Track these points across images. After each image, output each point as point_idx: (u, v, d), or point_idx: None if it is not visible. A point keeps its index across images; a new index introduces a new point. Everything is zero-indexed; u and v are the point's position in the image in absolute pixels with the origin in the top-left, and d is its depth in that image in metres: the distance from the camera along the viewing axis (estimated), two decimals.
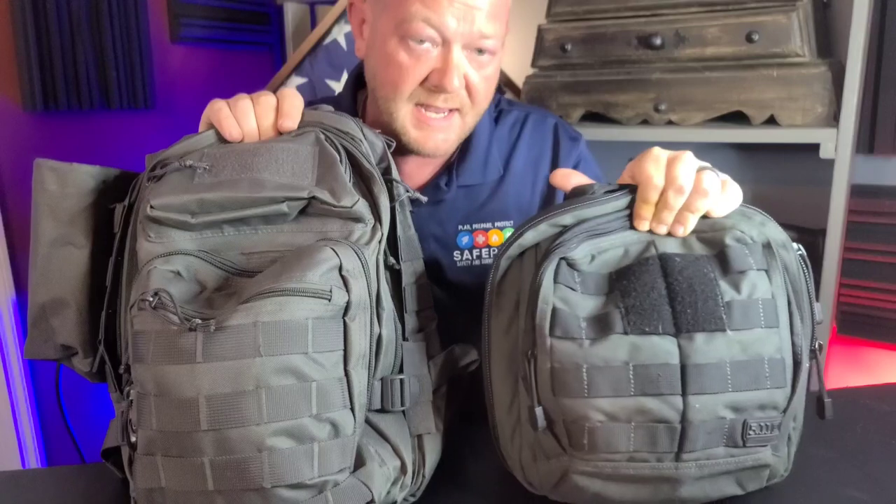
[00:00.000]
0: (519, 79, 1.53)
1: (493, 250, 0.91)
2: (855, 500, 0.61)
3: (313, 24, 1.90)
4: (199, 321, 0.50)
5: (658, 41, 1.29)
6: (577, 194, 0.64)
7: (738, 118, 1.28)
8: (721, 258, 0.59)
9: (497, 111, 0.96)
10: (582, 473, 0.57)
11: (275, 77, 1.69)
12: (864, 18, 1.14)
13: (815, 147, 1.19)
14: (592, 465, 0.57)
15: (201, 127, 0.68)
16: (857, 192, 1.43)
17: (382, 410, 0.59)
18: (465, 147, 0.89)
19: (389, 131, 0.81)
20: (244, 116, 0.65)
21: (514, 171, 0.93)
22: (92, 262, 0.64)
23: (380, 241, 0.59)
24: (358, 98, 0.93)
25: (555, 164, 0.95)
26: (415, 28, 0.76)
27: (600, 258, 0.61)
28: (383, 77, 0.81)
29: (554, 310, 0.57)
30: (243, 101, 0.66)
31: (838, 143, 1.16)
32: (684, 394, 0.55)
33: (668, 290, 0.57)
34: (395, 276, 0.62)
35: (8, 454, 1.48)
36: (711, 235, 0.61)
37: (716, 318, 0.56)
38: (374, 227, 0.59)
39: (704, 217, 0.61)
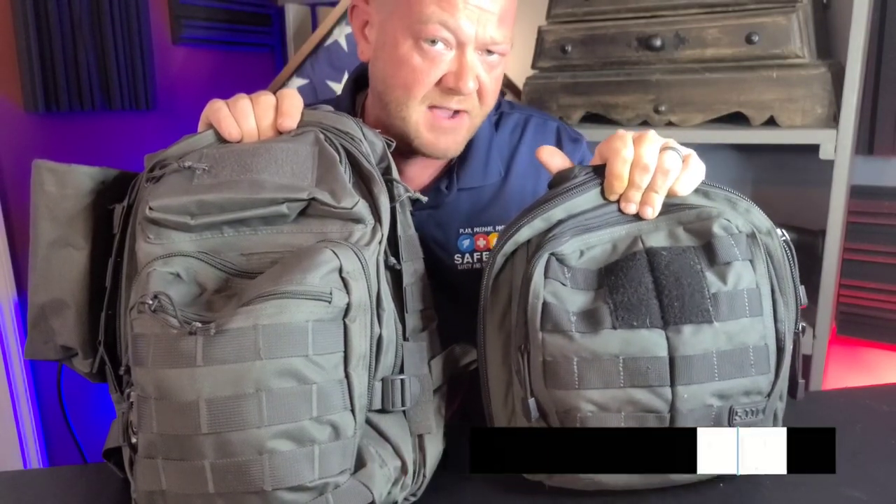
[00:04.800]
0: (519, 80, 1.53)
1: None
2: (855, 500, 0.61)
3: (314, 25, 1.90)
4: (199, 324, 0.50)
5: (658, 42, 1.29)
6: (561, 179, 0.66)
7: (737, 119, 1.28)
8: (708, 249, 0.61)
9: (498, 114, 0.95)
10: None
11: (276, 78, 1.69)
12: (864, 19, 1.14)
13: (814, 148, 1.19)
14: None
15: (200, 127, 0.68)
16: (857, 192, 1.43)
17: (383, 411, 0.59)
18: (465, 150, 0.89)
19: (398, 134, 0.81)
20: (243, 116, 0.65)
21: (516, 174, 0.93)
22: (91, 263, 0.64)
23: (380, 242, 0.59)
24: (357, 100, 0.93)
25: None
26: (430, 30, 0.76)
27: (589, 254, 0.62)
28: (395, 80, 0.80)
29: (545, 304, 0.59)
30: (242, 102, 0.66)
31: (838, 144, 1.17)
32: (672, 384, 0.57)
33: (655, 284, 0.59)
34: (395, 276, 0.62)
35: (9, 454, 1.48)
36: (699, 225, 0.62)
37: (702, 311, 0.58)
38: (374, 228, 0.59)
39: (669, 195, 0.64)
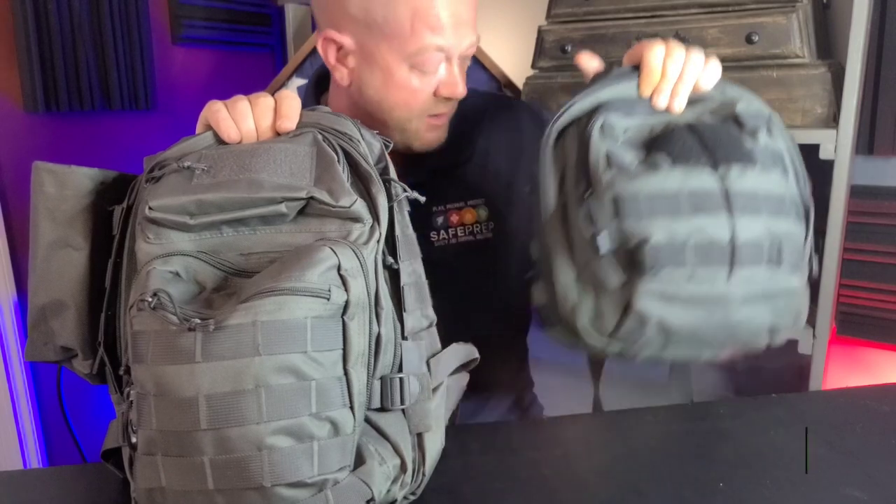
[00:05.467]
0: (519, 80, 1.53)
1: (469, 228, 0.95)
2: (855, 500, 0.61)
3: (314, 25, 1.90)
4: (198, 321, 0.50)
5: None
6: (600, 77, 0.75)
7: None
8: (736, 121, 0.70)
9: None
10: (645, 297, 0.63)
11: (276, 78, 1.69)
12: (864, 19, 1.14)
13: (814, 148, 1.18)
14: (655, 286, 0.63)
15: (198, 128, 0.68)
16: (857, 192, 1.42)
17: (382, 409, 0.59)
18: None
19: (394, 141, 0.84)
20: (242, 118, 0.65)
21: (482, 151, 0.98)
22: (91, 264, 0.64)
23: (378, 241, 0.59)
24: (321, 102, 0.96)
25: (530, 142, 1.00)
26: (429, 58, 0.82)
27: (630, 132, 0.70)
28: (394, 101, 0.85)
29: (607, 153, 0.66)
30: (241, 103, 0.66)
31: (838, 144, 1.16)
32: (730, 214, 0.64)
33: (699, 140, 0.67)
34: (393, 275, 0.62)
35: (9, 454, 1.48)
36: (724, 111, 0.72)
37: (744, 154, 0.66)
38: (372, 227, 0.59)
39: (693, 91, 0.73)
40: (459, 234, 0.95)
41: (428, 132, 0.88)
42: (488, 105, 1.01)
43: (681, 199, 0.63)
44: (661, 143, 0.67)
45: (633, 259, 0.63)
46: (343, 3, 0.82)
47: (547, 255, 0.69)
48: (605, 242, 0.64)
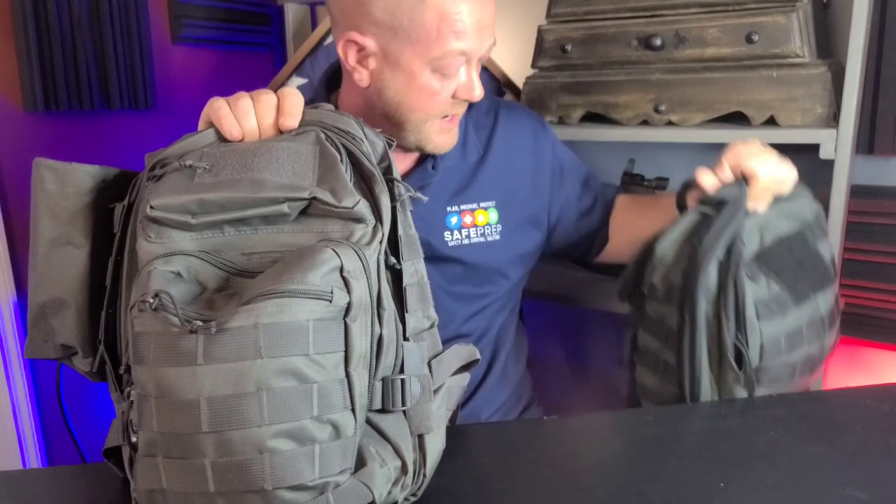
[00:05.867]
0: (519, 79, 1.53)
1: (480, 230, 0.97)
2: (855, 500, 0.61)
3: (314, 24, 1.90)
4: (200, 323, 0.50)
5: (658, 42, 1.29)
6: (718, 200, 0.81)
7: (737, 119, 1.28)
8: (818, 222, 0.87)
9: None
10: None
11: (275, 78, 1.69)
12: (864, 19, 1.14)
13: (814, 147, 1.18)
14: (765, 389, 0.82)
15: (200, 125, 0.68)
16: (857, 192, 1.42)
17: (383, 410, 0.59)
18: None
19: (406, 142, 0.89)
20: (244, 115, 0.65)
21: (493, 153, 0.99)
22: (91, 262, 0.64)
23: (381, 242, 0.59)
24: (330, 99, 0.96)
25: (535, 148, 1.04)
26: (452, 62, 0.83)
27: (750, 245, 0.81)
28: (413, 103, 0.86)
29: (754, 302, 0.78)
30: (244, 100, 0.66)
31: (838, 144, 1.16)
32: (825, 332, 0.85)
33: (798, 263, 0.82)
34: (395, 275, 0.62)
35: (8, 454, 1.48)
36: (795, 210, 0.85)
37: (830, 276, 0.86)
38: (374, 228, 0.59)
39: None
40: (472, 235, 0.97)
41: (440, 135, 0.90)
42: (499, 108, 1.03)
43: (803, 332, 0.80)
44: (772, 268, 0.79)
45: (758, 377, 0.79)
46: (367, 6, 0.82)
47: (688, 359, 0.80)
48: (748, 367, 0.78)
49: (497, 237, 0.98)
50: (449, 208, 0.96)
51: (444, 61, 0.82)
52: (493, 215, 0.98)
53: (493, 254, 0.98)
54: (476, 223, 0.97)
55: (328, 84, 0.98)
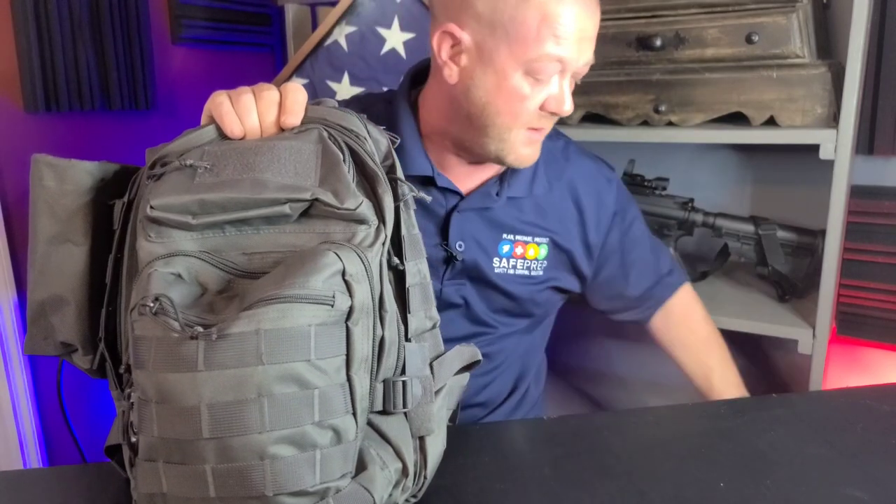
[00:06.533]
0: None
1: (527, 263, 0.97)
2: (855, 500, 0.61)
3: (314, 25, 1.90)
4: (201, 329, 0.50)
5: (658, 42, 1.29)
6: None
7: (737, 119, 1.28)
8: None
9: None
10: None
11: (276, 78, 1.68)
12: (864, 19, 1.14)
13: (814, 148, 1.18)
14: None
15: (203, 120, 0.67)
16: (857, 192, 1.42)
17: (384, 412, 0.59)
18: None
19: (488, 150, 0.86)
20: (246, 113, 0.64)
21: (559, 192, 0.98)
22: (91, 260, 0.63)
23: (383, 243, 0.58)
24: (412, 98, 0.94)
25: (597, 200, 1.01)
26: (546, 66, 0.80)
27: None
28: (501, 106, 0.83)
29: None
30: (245, 96, 0.65)
31: (838, 144, 1.16)
32: None
33: None
34: (398, 276, 0.62)
35: (9, 454, 1.48)
36: None
37: None
38: (377, 229, 0.58)
39: None
40: (519, 266, 0.96)
41: (524, 146, 0.86)
42: (569, 148, 1.02)
43: None
44: None
45: None
46: None
47: None
48: None
49: (540, 273, 0.98)
50: (505, 236, 0.94)
51: (538, 64, 0.79)
52: (542, 251, 0.97)
53: (533, 287, 0.98)
54: (526, 255, 0.96)
55: (412, 81, 0.95)
